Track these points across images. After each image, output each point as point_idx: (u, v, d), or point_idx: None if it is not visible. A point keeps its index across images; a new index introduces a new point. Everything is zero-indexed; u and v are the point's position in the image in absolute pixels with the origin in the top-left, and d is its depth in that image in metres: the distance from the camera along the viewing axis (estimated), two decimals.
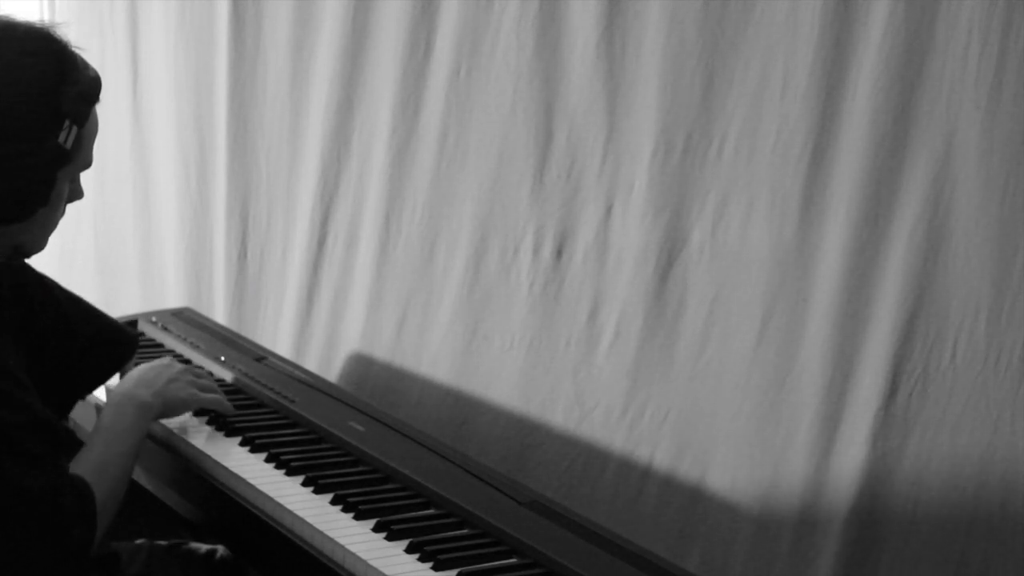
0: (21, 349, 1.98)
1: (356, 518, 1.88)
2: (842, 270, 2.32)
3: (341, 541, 1.80)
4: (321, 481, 1.98)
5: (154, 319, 2.70)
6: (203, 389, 2.17)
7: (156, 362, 2.14)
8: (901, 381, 2.27)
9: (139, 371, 2.10)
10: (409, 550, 1.79)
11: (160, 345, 2.60)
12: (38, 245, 1.91)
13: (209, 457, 2.06)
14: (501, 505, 1.92)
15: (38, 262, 2.02)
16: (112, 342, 2.25)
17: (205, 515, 2.12)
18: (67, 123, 1.81)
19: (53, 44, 1.83)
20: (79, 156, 1.86)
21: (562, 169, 2.65)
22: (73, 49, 1.85)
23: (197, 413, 2.20)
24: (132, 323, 2.70)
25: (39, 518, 1.77)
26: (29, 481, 1.77)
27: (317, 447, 2.14)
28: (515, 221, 2.72)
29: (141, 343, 2.59)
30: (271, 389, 2.33)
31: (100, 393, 2.29)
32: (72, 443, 1.95)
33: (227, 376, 2.41)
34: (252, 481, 1.98)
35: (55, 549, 1.78)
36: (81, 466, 1.87)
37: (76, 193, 1.91)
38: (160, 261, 3.47)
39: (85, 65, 1.86)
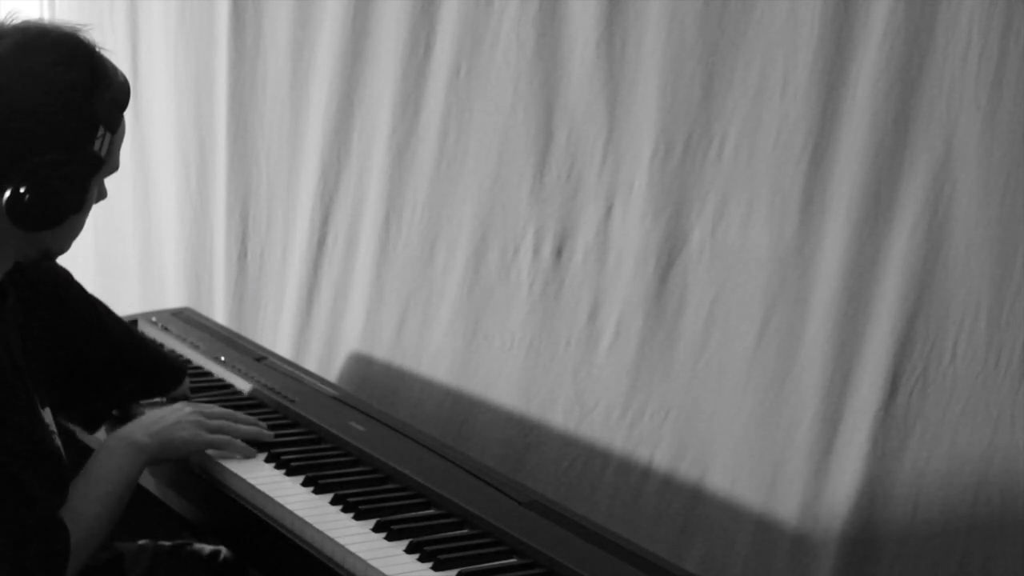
0: (50, 351, 1.98)
1: (356, 518, 1.88)
2: (842, 270, 2.32)
3: (341, 541, 1.80)
4: (321, 481, 1.98)
5: (154, 319, 2.70)
6: (214, 430, 2.05)
7: (168, 406, 2.09)
8: (901, 381, 2.27)
9: (147, 414, 2.05)
10: (409, 550, 1.79)
11: (161, 345, 2.59)
12: (64, 249, 1.90)
13: (210, 457, 2.06)
14: (501, 505, 1.92)
15: None
16: (156, 371, 2.24)
17: (206, 516, 2.12)
18: (102, 130, 1.80)
19: (85, 51, 1.81)
20: (110, 161, 1.85)
21: (562, 169, 2.65)
22: (103, 54, 1.84)
23: None
24: (131, 323, 2.71)
25: (4, 560, 1.73)
26: (3, 519, 1.73)
27: (317, 447, 2.14)
28: (515, 221, 2.72)
29: None
30: (271, 389, 2.33)
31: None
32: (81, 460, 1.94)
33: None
34: (252, 481, 1.98)
35: None
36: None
37: (101, 194, 1.91)
38: (160, 261, 3.47)
39: (115, 70, 1.85)
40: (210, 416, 2.07)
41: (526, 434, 2.71)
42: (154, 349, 2.30)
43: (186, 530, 2.23)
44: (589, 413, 2.63)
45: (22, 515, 1.75)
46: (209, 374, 2.45)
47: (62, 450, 1.87)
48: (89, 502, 1.86)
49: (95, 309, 2.19)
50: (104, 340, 2.16)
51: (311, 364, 3.02)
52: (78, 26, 1.84)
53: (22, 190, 1.75)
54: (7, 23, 1.80)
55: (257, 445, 2.09)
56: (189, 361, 2.50)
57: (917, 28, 2.21)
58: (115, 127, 1.84)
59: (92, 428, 2.21)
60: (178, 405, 2.09)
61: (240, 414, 2.13)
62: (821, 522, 2.35)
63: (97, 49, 1.83)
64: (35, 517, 1.76)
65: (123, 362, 2.19)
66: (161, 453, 1.98)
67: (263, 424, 2.13)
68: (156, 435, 1.97)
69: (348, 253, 3.02)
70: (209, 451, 2.06)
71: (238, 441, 2.06)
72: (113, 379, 2.18)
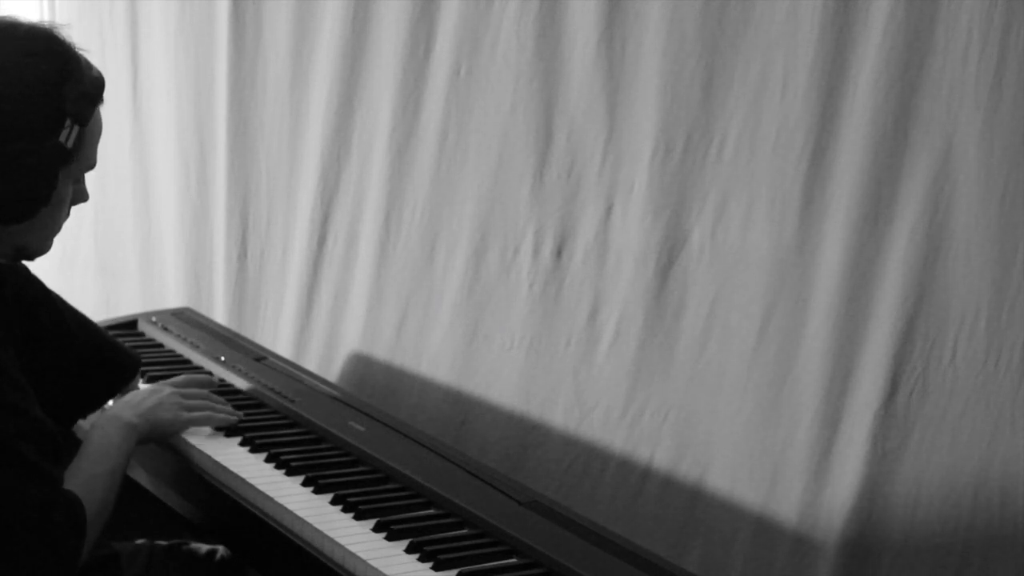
0: (24, 353, 1.97)
1: (356, 518, 1.88)
2: (842, 270, 2.32)
3: (341, 541, 1.80)
4: (321, 481, 1.98)
5: (154, 319, 2.70)
6: (192, 409, 2.15)
7: (146, 387, 2.16)
8: (901, 381, 2.27)
9: (129, 395, 2.11)
10: (409, 550, 1.79)
11: (160, 345, 2.60)
12: (42, 247, 1.89)
13: (209, 457, 2.06)
14: (501, 505, 1.92)
15: (38, 263, 2.02)
16: (112, 363, 2.23)
17: (205, 515, 2.12)
18: (68, 122, 1.80)
19: (56, 44, 1.82)
20: (82, 156, 1.85)
21: (562, 169, 2.65)
22: (76, 50, 1.84)
23: None
24: (131, 323, 2.71)
25: (32, 530, 1.77)
26: (23, 492, 1.76)
27: (317, 447, 2.14)
28: (515, 221, 2.72)
29: (142, 343, 2.59)
30: (271, 389, 2.33)
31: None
32: (71, 446, 1.95)
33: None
34: (252, 481, 1.98)
35: (47, 561, 1.77)
36: (70, 482, 1.86)
37: (80, 195, 1.90)
38: (160, 261, 3.47)
39: (88, 65, 1.85)
40: (188, 396, 2.16)
41: (526, 434, 2.71)
42: (111, 344, 2.27)
43: (185, 529, 2.23)
44: (589, 413, 2.63)
45: (38, 488, 1.78)
46: (209, 374, 2.45)
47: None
48: (96, 478, 1.90)
49: (56, 308, 2.16)
50: (67, 341, 2.15)
51: (311, 364, 3.02)
52: (54, 24, 1.85)
53: None
54: None
55: (255, 446, 2.10)
56: (185, 358, 2.50)
57: (917, 28, 2.21)
58: (84, 120, 1.83)
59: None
60: (156, 386, 2.14)
61: (214, 396, 2.23)
62: (821, 522, 2.35)
63: (71, 45, 1.84)
64: (51, 489, 1.80)
65: (85, 364, 2.19)
66: (150, 433, 2.06)
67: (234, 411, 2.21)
68: (143, 415, 2.04)
69: (348, 253, 3.02)
70: (209, 450, 2.07)
71: (219, 414, 2.16)
72: (78, 382, 2.18)
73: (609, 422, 2.60)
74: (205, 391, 2.24)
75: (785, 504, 2.39)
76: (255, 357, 2.51)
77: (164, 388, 2.14)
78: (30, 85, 1.78)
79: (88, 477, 1.89)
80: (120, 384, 2.25)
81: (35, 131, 1.78)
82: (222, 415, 2.17)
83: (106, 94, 1.90)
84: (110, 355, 2.23)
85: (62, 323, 2.15)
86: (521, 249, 2.72)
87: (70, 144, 1.81)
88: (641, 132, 2.53)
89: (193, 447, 2.10)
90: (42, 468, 1.79)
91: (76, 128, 1.81)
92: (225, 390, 2.34)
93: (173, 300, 3.35)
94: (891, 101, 2.25)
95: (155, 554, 2.14)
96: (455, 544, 1.82)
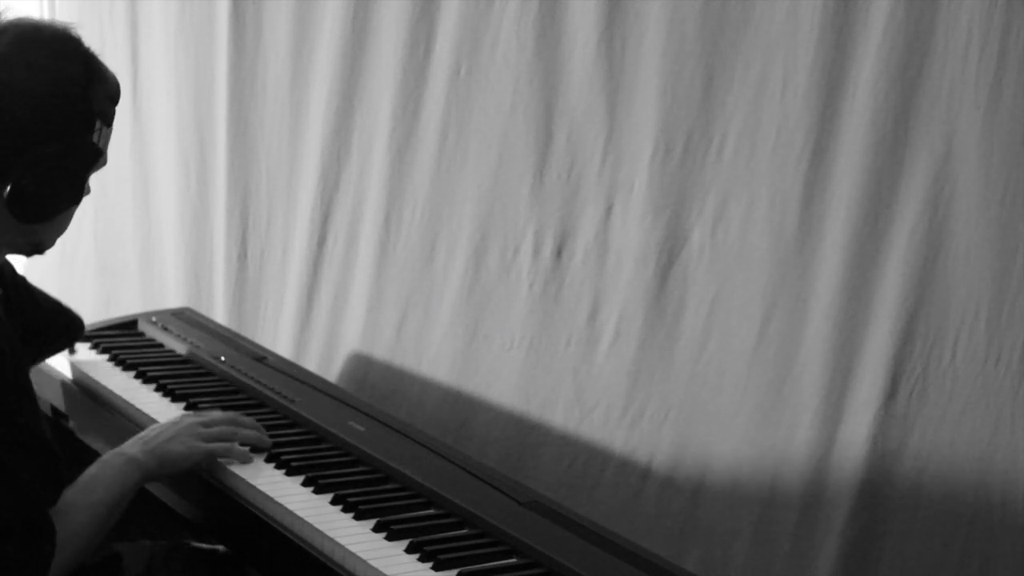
0: (26, 344, 1.99)
1: (356, 518, 1.88)
2: (842, 270, 2.32)
3: (341, 541, 1.80)
4: (321, 481, 1.98)
5: (154, 319, 2.70)
6: (211, 438, 2.03)
7: (169, 419, 2.08)
8: (901, 381, 2.27)
9: (147, 429, 2.04)
10: (409, 550, 1.79)
11: (160, 345, 2.60)
12: (52, 242, 1.92)
13: None
14: (501, 505, 1.92)
15: (39, 263, 2.03)
16: (66, 328, 2.34)
17: (205, 515, 2.12)
18: (98, 123, 1.83)
19: (80, 46, 1.85)
20: (103, 155, 1.88)
21: (562, 169, 2.65)
22: (91, 50, 1.87)
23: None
24: (131, 323, 2.71)
25: None
26: None
27: (317, 447, 2.14)
28: (515, 221, 2.72)
29: (142, 344, 2.60)
30: (271, 389, 2.33)
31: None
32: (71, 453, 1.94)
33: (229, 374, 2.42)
34: (252, 481, 1.98)
35: None
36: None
37: (87, 190, 1.93)
38: (160, 261, 3.47)
39: (105, 66, 1.88)
40: (209, 424, 2.05)
41: (526, 434, 2.71)
42: (60, 309, 2.36)
43: (185, 529, 2.23)
44: (589, 413, 2.63)
45: (10, 509, 1.75)
46: (210, 374, 2.45)
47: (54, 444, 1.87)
48: (77, 509, 1.85)
49: (29, 292, 2.23)
50: (41, 327, 2.24)
51: (311, 364, 3.02)
52: (68, 24, 1.87)
53: (24, 181, 1.77)
54: (2, 18, 1.82)
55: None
56: (185, 358, 2.50)
57: (917, 28, 2.22)
58: (110, 121, 1.87)
59: None
60: (177, 417, 2.07)
61: (243, 418, 2.12)
62: (821, 522, 2.35)
63: (86, 45, 1.86)
64: (23, 512, 1.76)
65: (48, 338, 2.30)
66: (159, 469, 1.97)
67: (262, 429, 2.13)
68: (152, 451, 1.97)
69: (348, 253, 3.02)
70: None
71: (236, 446, 2.05)
72: (45, 353, 2.31)
73: (609, 422, 2.60)
74: (231, 416, 2.10)
75: (785, 504, 2.39)
76: (255, 357, 2.51)
77: (185, 418, 2.05)
78: (61, 87, 1.80)
79: (68, 504, 1.84)
80: (70, 344, 2.41)
81: (68, 133, 1.81)
82: (241, 450, 2.05)
83: None
84: (64, 320, 2.34)
85: (36, 306, 2.20)
86: (521, 249, 2.72)
87: (102, 144, 1.85)
88: (641, 132, 2.53)
89: None
90: (25, 489, 1.76)
91: (105, 129, 1.85)
92: (222, 389, 2.34)
93: (173, 300, 3.35)
94: (891, 101, 2.25)
95: (156, 554, 2.14)
96: (455, 544, 1.82)
